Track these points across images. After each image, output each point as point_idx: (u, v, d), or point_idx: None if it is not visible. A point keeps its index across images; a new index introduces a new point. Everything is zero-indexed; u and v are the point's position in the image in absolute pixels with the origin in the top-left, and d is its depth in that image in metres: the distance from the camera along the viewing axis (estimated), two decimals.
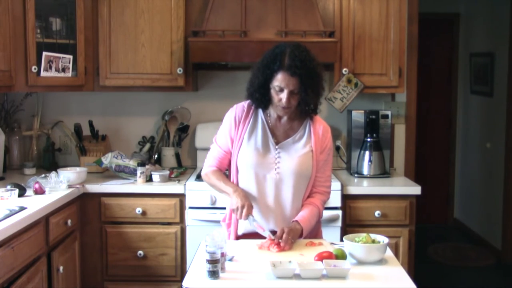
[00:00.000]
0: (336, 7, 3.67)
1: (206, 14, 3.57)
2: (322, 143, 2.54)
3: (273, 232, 2.42)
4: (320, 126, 2.55)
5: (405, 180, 3.73)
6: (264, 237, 2.41)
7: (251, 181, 2.50)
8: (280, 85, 2.37)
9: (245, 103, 2.55)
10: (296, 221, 2.45)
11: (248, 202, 2.40)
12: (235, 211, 2.41)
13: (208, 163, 2.61)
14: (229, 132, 2.54)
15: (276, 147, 2.50)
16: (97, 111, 4.07)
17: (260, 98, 2.44)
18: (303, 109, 2.47)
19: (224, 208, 2.80)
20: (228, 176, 2.61)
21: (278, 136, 2.53)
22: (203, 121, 4.04)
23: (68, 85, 3.63)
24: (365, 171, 3.74)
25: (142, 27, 3.65)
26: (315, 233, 2.61)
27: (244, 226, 2.51)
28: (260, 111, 2.53)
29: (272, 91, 2.41)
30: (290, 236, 2.36)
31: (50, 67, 3.54)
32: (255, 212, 2.47)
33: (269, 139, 2.51)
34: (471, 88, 6.06)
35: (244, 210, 2.37)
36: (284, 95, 2.38)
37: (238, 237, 2.56)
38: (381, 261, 2.24)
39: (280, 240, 2.34)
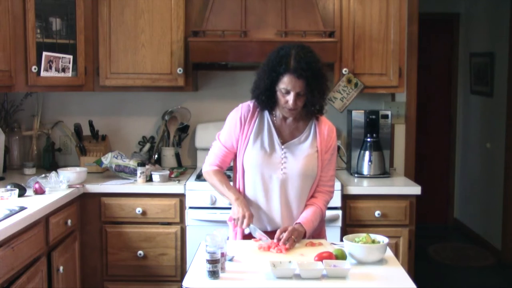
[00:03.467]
0: (336, 7, 3.67)
1: (206, 14, 3.56)
2: (327, 143, 2.54)
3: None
4: (325, 126, 2.55)
5: (405, 180, 3.73)
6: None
7: (257, 181, 2.51)
8: (287, 88, 2.37)
9: (250, 103, 2.55)
10: (299, 223, 2.46)
11: (249, 212, 2.43)
12: (236, 220, 2.45)
13: (210, 161, 2.62)
14: (233, 131, 2.54)
15: (282, 147, 2.51)
16: (97, 111, 4.07)
17: (266, 100, 2.44)
18: (309, 110, 2.47)
19: (225, 208, 2.80)
20: (233, 176, 2.62)
21: (284, 136, 2.53)
22: (203, 121, 4.04)
23: (68, 85, 3.63)
24: (365, 171, 3.74)
25: (142, 27, 3.65)
26: (318, 232, 2.61)
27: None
28: (266, 111, 2.54)
29: (278, 93, 2.41)
30: (294, 236, 2.37)
31: (50, 67, 3.54)
32: (261, 213, 2.51)
33: (275, 139, 2.51)
34: (471, 88, 6.06)
35: (245, 220, 2.41)
36: (290, 97, 2.38)
37: (244, 236, 2.56)
38: (381, 261, 2.24)
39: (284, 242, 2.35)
